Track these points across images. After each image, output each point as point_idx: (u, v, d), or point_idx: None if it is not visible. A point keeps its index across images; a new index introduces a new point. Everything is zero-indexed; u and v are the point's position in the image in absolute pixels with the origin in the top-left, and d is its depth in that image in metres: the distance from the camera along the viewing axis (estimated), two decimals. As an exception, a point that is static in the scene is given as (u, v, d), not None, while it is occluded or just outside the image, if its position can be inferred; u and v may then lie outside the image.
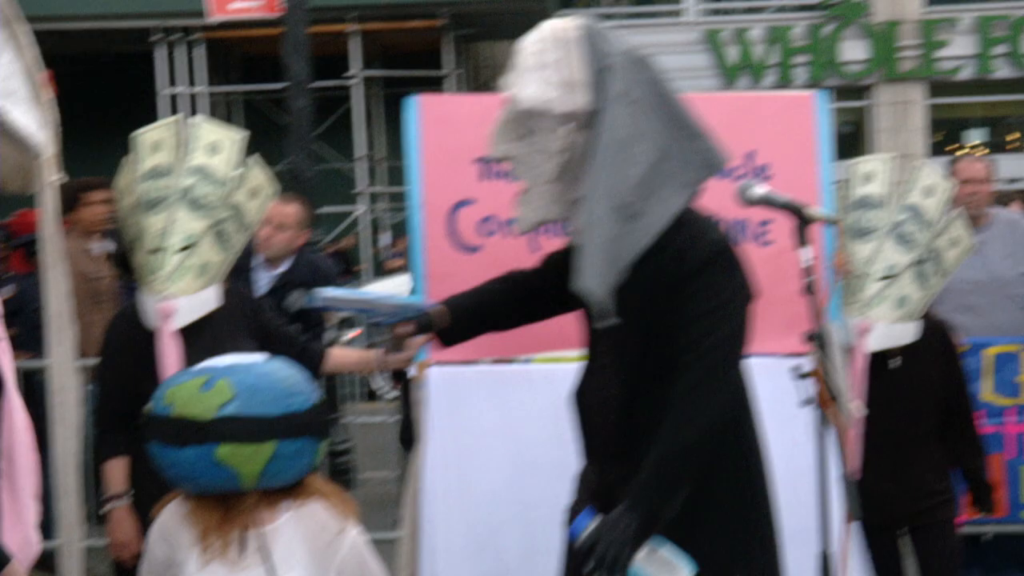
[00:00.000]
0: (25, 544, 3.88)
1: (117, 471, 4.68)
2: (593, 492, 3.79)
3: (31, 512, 3.90)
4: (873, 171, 4.95)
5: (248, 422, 3.12)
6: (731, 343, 3.62)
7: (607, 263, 3.56)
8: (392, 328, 3.95)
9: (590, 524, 3.53)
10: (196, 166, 4.65)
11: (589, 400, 3.80)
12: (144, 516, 3.44)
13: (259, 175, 4.81)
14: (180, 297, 4.57)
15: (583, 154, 3.66)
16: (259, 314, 4.98)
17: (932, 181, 4.99)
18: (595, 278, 3.55)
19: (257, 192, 4.80)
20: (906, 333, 4.92)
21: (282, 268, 7.08)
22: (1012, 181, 17.38)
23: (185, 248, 4.58)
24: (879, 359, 4.89)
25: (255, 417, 3.13)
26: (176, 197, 4.59)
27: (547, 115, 3.66)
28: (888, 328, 4.87)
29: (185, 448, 3.13)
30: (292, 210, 6.95)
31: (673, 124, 3.70)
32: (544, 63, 3.64)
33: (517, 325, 4.26)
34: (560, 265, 3.91)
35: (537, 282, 4.13)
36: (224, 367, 3.24)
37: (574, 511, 3.85)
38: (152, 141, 4.66)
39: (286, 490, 3.29)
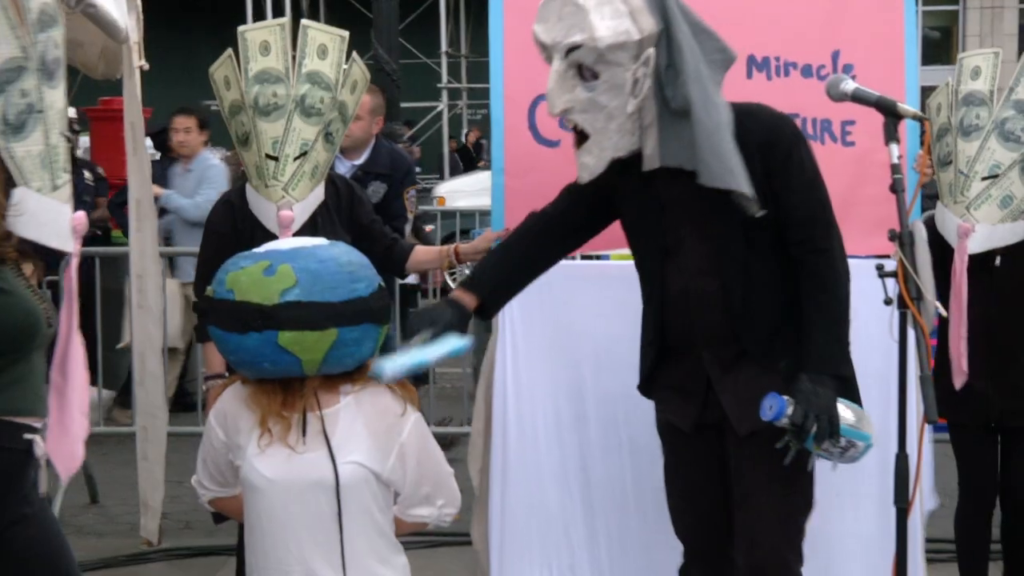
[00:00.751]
0: (70, 457, 3.92)
1: (216, 352, 4.71)
2: (693, 380, 3.92)
3: (79, 427, 3.92)
4: (979, 67, 4.80)
5: (311, 308, 3.09)
6: (830, 207, 3.85)
7: (733, 159, 3.64)
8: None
9: (785, 404, 3.59)
10: (308, 72, 4.67)
11: (688, 296, 3.85)
12: None
13: (358, 70, 4.84)
14: (297, 203, 4.68)
15: (658, 76, 3.69)
16: (356, 207, 4.99)
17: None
18: (739, 174, 3.62)
19: (355, 86, 4.84)
20: (1010, 233, 4.81)
21: (361, 159, 7.05)
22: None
23: (301, 155, 4.66)
24: (982, 257, 4.79)
25: (318, 303, 3.11)
26: (292, 107, 4.63)
27: (625, 47, 3.66)
28: (991, 229, 4.76)
29: (248, 334, 3.11)
30: (365, 99, 6.89)
31: (696, 26, 3.76)
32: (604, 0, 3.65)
33: (551, 266, 4.23)
34: (585, 195, 4.01)
35: (566, 219, 4.13)
36: (287, 251, 3.20)
37: (669, 408, 4.02)
38: (261, 41, 4.65)
39: (347, 374, 3.27)
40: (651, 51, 3.68)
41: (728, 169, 3.62)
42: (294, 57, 4.68)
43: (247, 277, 3.14)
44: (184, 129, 9.07)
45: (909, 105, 4.35)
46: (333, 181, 4.94)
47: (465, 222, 11.76)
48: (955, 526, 5.13)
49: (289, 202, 4.65)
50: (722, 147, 3.64)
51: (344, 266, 3.20)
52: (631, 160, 3.82)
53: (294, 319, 3.08)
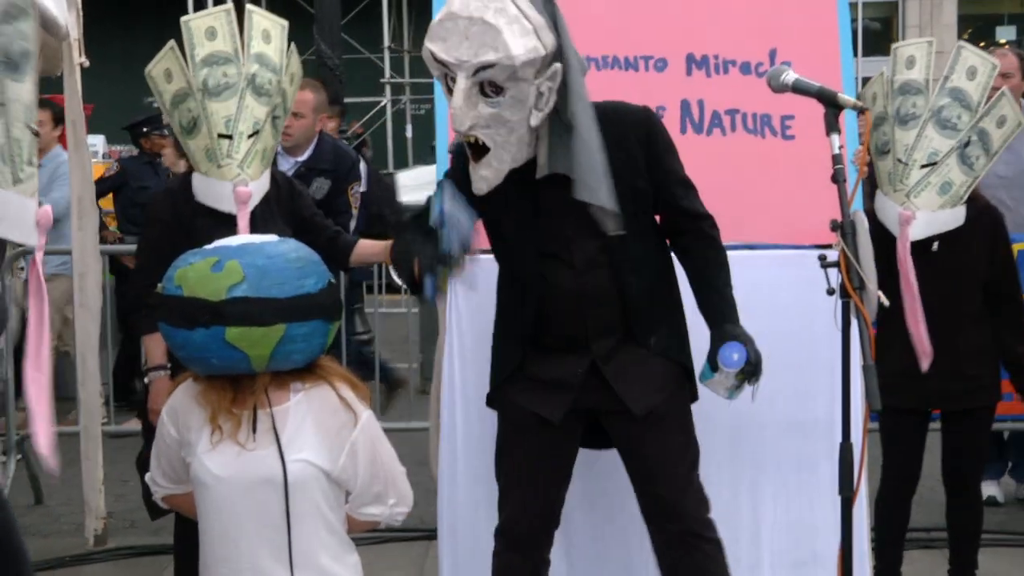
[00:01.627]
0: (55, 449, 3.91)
1: (157, 344, 4.71)
2: (570, 372, 4.03)
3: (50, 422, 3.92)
4: (914, 56, 4.86)
5: (258, 304, 3.10)
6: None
7: (605, 176, 3.80)
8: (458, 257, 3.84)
9: (745, 350, 3.92)
10: (257, 53, 4.75)
11: (580, 292, 3.97)
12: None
13: (296, 62, 4.93)
14: (251, 182, 4.72)
15: (556, 90, 3.80)
16: (296, 200, 5.03)
17: (974, 63, 4.88)
18: (606, 192, 3.79)
19: (293, 79, 4.93)
20: (950, 219, 4.87)
21: (304, 156, 7.04)
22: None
23: (253, 134, 4.71)
24: (920, 243, 4.84)
25: (265, 299, 3.11)
26: (244, 84, 4.70)
27: (533, 63, 3.73)
28: (931, 216, 4.82)
29: (195, 330, 3.11)
30: (308, 96, 6.87)
31: (565, 33, 3.86)
32: (513, 17, 3.71)
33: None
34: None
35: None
36: (235, 248, 3.21)
37: (535, 401, 4.08)
38: (207, 27, 4.71)
39: (298, 372, 3.27)
40: (558, 66, 3.77)
41: (600, 185, 3.79)
42: (242, 40, 4.74)
43: (195, 273, 3.15)
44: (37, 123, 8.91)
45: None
46: (272, 176, 4.96)
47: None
48: (876, 511, 5.15)
49: (244, 179, 4.68)
50: (597, 164, 3.80)
51: (293, 262, 3.21)
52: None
53: (241, 315, 3.09)
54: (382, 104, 19.68)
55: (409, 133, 20.38)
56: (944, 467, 5.23)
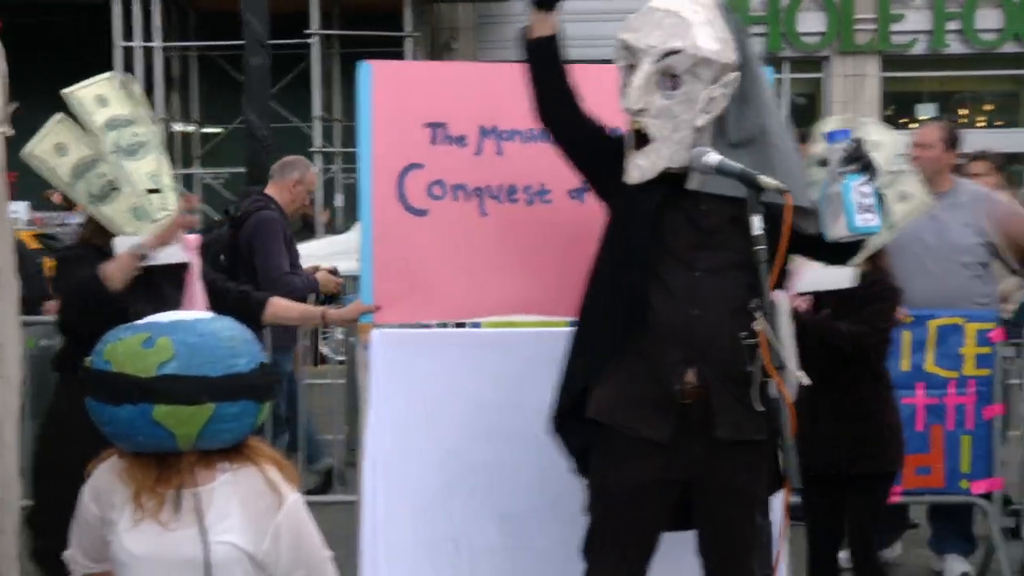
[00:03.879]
0: None
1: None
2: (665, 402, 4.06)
3: None
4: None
5: (187, 382, 3.06)
6: None
7: (804, 180, 4.14)
8: None
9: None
10: (119, 117, 4.72)
11: (708, 314, 4.04)
12: (82, 473, 3.39)
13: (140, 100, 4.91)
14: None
15: (730, 102, 4.06)
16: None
17: (879, 136, 5.00)
18: (805, 197, 4.07)
19: (105, 100, 4.84)
20: (837, 279, 4.96)
21: None
22: (960, 156, 17.47)
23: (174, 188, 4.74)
24: (814, 306, 4.96)
25: (195, 377, 3.07)
26: (157, 140, 4.73)
27: (712, 66, 3.98)
28: (819, 273, 4.89)
29: (122, 406, 3.07)
30: None
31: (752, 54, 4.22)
32: (707, 21, 4.01)
33: (555, 103, 4.33)
34: (604, 146, 4.29)
35: (583, 123, 4.34)
36: (167, 324, 3.17)
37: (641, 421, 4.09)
38: (95, 95, 4.69)
39: (225, 451, 3.23)
40: (734, 75, 4.05)
41: (803, 188, 4.09)
42: (137, 103, 4.75)
43: (125, 348, 3.11)
44: None
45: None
46: None
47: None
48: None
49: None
50: (796, 169, 4.11)
51: (225, 341, 3.17)
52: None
53: (170, 393, 3.04)
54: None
55: (339, 202, 20.36)
56: (847, 533, 5.34)
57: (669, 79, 4.01)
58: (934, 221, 6.42)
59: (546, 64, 4.27)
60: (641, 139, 4.07)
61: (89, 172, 4.66)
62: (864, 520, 5.28)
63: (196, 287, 4.73)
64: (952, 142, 6.90)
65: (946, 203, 6.62)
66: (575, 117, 4.31)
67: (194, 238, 4.74)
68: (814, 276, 4.89)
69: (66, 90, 4.70)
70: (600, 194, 4.36)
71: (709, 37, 4.00)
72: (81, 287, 4.60)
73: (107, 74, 4.81)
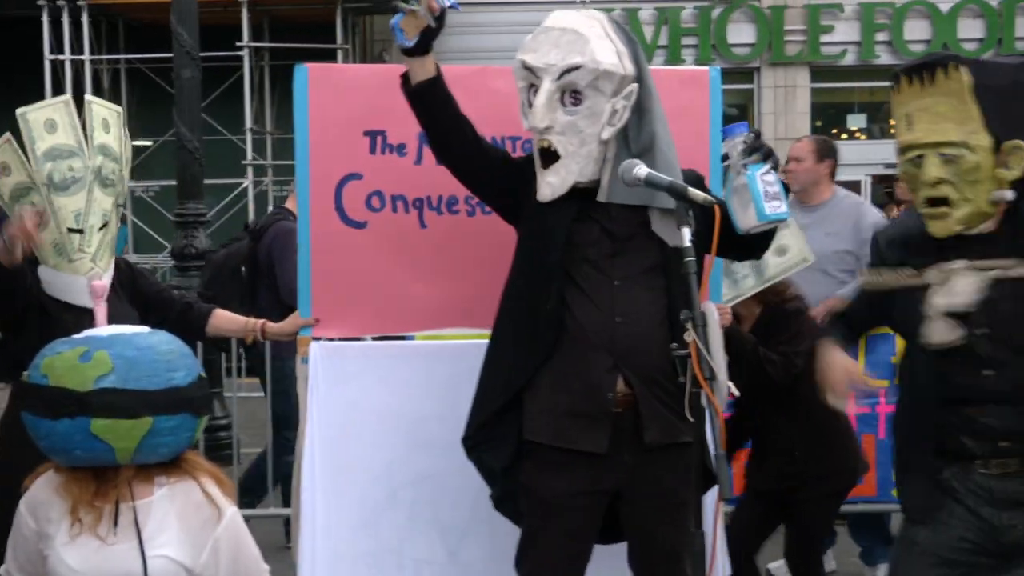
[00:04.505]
0: None
1: None
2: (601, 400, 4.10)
3: None
4: None
5: (125, 396, 3.07)
6: None
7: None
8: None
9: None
10: (100, 144, 4.68)
11: (630, 321, 4.10)
12: (18, 486, 3.38)
13: (100, 108, 4.80)
14: (104, 274, 4.65)
15: (629, 115, 4.12)
16: (137, 279, 4.95)
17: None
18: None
19: (128, 163, 4.86)
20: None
21: None
22: (889, 166, 17.67)
23: (103, 226, 4.65)
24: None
25: (133, 391, 3.08)
26: (91, 177, 4.62)
27: (613, 78, 4.04)
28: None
29: (60, 420, 3.07)
30: None
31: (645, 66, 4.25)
32: (603, 35, 4.07)
33: (450, 142, 4.35)
34: (510, 172, 4.33)
35: (485, 152, 4.38)
36: (105, 338, 3.18)
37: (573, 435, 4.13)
38: (45, 119, 4.64)
39: (163, 465, 3.24)
40: (635, 87, 4.12)
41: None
42: (84, 131, 4.66)
43: (62, 362, 3.11)
44: None
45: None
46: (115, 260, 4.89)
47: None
48: None
49: (98, 272, 4.61)
50: (678, 176, 4.07)
51: (163, 355, 3.18)
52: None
53: (108, 406, 3.05)
54: (244, 185, 19.57)
55: (270, 215, 20.29)
56: (785, 547, 5.41)
57: (571, 95, 4.09)
58: (854, 229, 6.61)
59: (432, 106, 4.27)
60: (548, 156, 4.13)
61: (24, 198, 4.63)
62: (813, 532, 5.36)
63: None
64: (823, 154, 7.30)
65: (818, 215, 7.02)
66: (471, 151, 4.33)
67: (101, 285, 4.63)
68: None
69: (20, 110, 4.65)
70: (509, 218, 4.41)
71: (607, 51, 4.07)
72: None
73: (63, 97, 4.77)
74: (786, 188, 4.15)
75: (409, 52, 4.19)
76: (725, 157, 4.15)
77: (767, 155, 4.07)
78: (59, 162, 4.59)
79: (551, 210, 4.17)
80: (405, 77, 4.26)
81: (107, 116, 4.76)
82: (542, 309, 4.14)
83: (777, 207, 4.06)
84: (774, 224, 4.14)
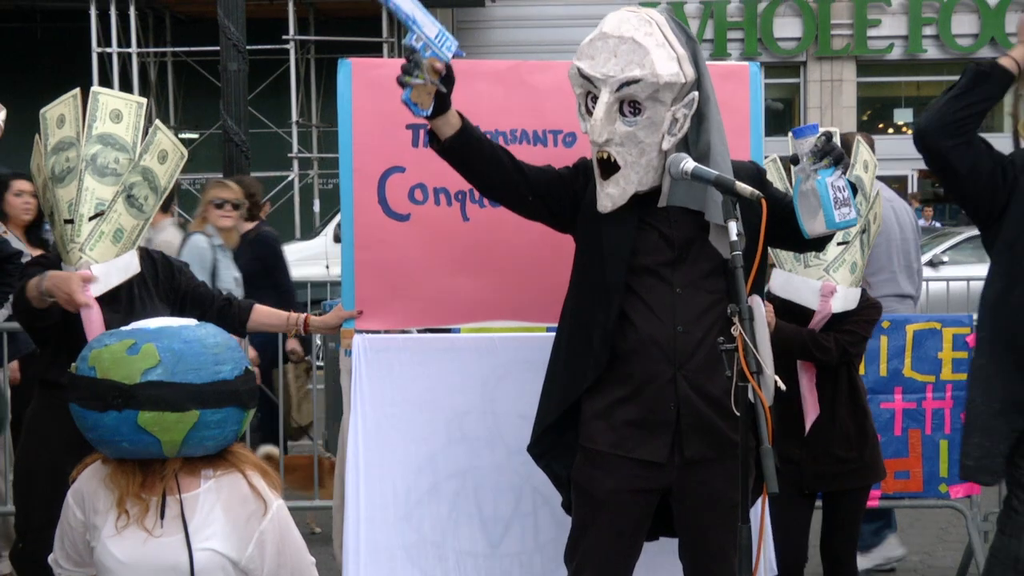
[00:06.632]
0: None
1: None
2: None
3: None
4: None
5: (172, 389, 3.08)
6: None
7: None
8: (425, 60, 3.97)
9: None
10: (100, 134, 4.63)
11: (691, 330, 4.06)
12: (66, 479, 3.40)
13: (165, 139, 4.79)
14: (97, 264, 4.55)
15: (690, 120, 4.05)
16: (177, 276, 4.92)
17: (868, 157, 5.07)
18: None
19: (165, 156, 4.78)
20: (855, 298, 5.05)
21: None
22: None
23: (97, 215, 4.58)
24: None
25: (180, 384, 3.09)
26: (82, 166, 4.57)
27: (673, 88, 3.96)
28: (846, 291, 5.00)
29: (107, 412, 3.08)
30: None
31: (705, 70, 4.16)
32: (661, 42, 3.96)
33: (492, 183, 4.31)
34: (563, 187, 4.25)
35: (528, 179, 4.27)
36: (152, 331, 3.18)
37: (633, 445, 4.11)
38: (56, 116, 4.66)
39: (209, 458, 3.25)
40: (695, 94, 4.04)
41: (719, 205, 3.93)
42: (83, 122, 4.65)
43: (109, 355, 3.12)
44: None
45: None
46: (149, 254, 4.89)
47: (316, 292, 11.72)
48: None
49: (88, 262, 4.52)
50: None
51: (210, 348, 3.18)
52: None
53: (154, 399, 3.06)
54: (290, 178, 19.67)
55: (316, 208, 20.37)
56: (822, 544, 5.36)
57: (630, 104, 4.01)
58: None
59: (466, 156, 4.20)
60: (608, 167, 4.08)
61: (43, 196, 4.72)
62: (849, 530, 5.32)
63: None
64: None
65: None
66: (515, 180, 4.25)
67: (86, 274, 4.51)
68: (843, 295, 4.99)
69: (42, 110, 4.69)
70: (562, 230, 4.37)
71: (666, 60, 3.96)
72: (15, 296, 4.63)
73: (73, 91, 4.75)
74: (854, 188, 4.10)
75: (431, 116, 4.09)
76: (795, 159, 4.09)
77: (838, 159, 4.02)
78: (60, 154, 4.61)
79: (609, 221, 4.13)
80: (432, 135, 4.19)
81: (120, 107, 4.70)
82: (602, 322, 4.12)
83: (847, 214, 4.03)
84: (843, 230, 4.13)
